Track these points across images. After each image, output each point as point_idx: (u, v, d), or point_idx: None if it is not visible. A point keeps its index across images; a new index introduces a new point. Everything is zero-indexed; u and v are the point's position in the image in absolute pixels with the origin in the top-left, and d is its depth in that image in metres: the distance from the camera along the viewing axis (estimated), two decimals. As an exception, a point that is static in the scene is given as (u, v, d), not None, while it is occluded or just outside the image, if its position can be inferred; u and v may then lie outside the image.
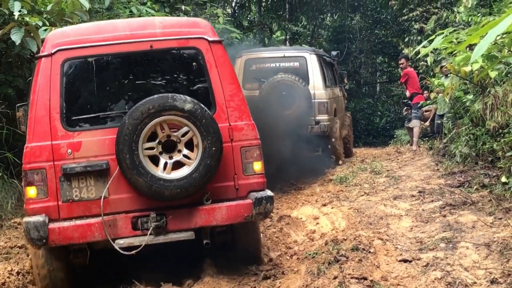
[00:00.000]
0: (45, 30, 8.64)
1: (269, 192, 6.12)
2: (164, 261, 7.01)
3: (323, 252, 6.60)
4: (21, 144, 9.29)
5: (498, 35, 2.69)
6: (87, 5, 9.29)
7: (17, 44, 8.51)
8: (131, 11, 12.96)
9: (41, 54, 6.04)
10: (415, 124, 14.95)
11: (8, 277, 6.22)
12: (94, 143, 5.88)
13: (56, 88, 5.89)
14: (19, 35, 8.47)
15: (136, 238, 5.83)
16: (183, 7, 16.46)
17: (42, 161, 5.78)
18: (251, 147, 6.12)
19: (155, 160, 5.83)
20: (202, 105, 5.82)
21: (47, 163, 5.78)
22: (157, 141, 5.82)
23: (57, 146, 5.81)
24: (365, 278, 5.77)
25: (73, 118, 5.93)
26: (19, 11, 8.56)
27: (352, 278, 5.79)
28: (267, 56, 14.09)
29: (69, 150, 5.82)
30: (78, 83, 6.07)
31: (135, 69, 6.24)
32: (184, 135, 5.85)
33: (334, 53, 17.23)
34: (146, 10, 13.39)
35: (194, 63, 6.22)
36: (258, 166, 6.14)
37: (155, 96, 5.80)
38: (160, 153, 5.84)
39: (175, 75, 6.29)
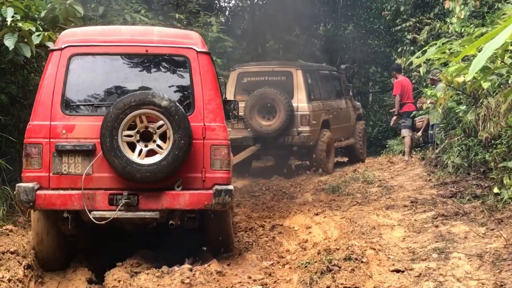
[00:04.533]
0: (38, 35, 8.63)
1: (230, 187, 6.89)
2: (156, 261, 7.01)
3: (315, 262, 6.58)
4: (13, 151, 9.31)
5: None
6: (81, 12, 9.28)
7: (10, 49, 8.50)
8: (124, 19, 12.97)
9: (53, 48, 7.08)
10: (404, 133, 15.01)
11: (-1, 284, 6.18)
12: (85, 127, 6.82)
13: (61, 78, 6.86)
14: (12, 40, 8.47)
15: (109, 212, 6.70)
16: (176, 15, 16.47)
17: (40, 137, 6.75)
18: (220, 145, 6.92)
19: (133, 146, 6.70)
20: (177, 103, 6.70)
21: (44, 140, 6.75)
22: (135, 130, 6.69)
23: (54, 126, 6.78)
24: (358, 288, 5.77)
25: (71, 104, 6.89)
26: (12, 16, 8.54)
27: (344, 288, 5.79)
28: (257, 70, 15.52)
29: (64, 131, 6.78)
30: (80, 75, 6.99)
31: (130, 69, 7.21)
32: (159, 127, 6.69)
33: (343, 66, 19.09)
34: (139, 18, 13.41)
35: (182, 69, 7.12)
36: (224, 163, 6.93)
37: (138, 92, 6.79)
38: (138, 141, 6.71)
39: (164, 78, 7.22)
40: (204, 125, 6.89)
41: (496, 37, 2.54)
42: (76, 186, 6.73)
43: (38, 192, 6.65)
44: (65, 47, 6.95)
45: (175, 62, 7.16)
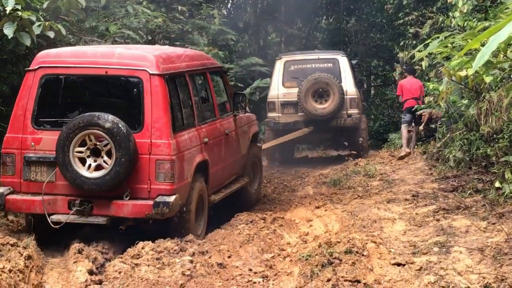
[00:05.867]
0: (39, 25, 8.63)
1: (169, 198, 7.42)
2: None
3: (316, 255, 6.58)
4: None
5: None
6: (83, 3, 9.28)
7: (9, 37, 8.52)
8: (127, 10, 12.91)
9: (28, 68, 7.85)
10: (402, 128, 15.11)
11: (0, 275, 6.18)
12: (50, 141, 7.54)
13: (33, 95, 7.67)
14: (12, 28, 8.54)
15: (65, 216, 7.45)
16: (179, 7, 16.43)
17: (13, 148, 7.67)
18: (164, 161, 7.52)
19: (84, 161, 7.45)
20: (120, 124, 7.30)
21: (17, 150, 7.65)
22: (86, 147, 7.44)
23: (25, 139, 7.66)
24: (359, 281, 5.78)
25: (40, 119, 7.69)
26: (13, 6, 8.54)
27: (345, 281, 5.79)
28: (304, 58, 16.38)
29: (32, 143, 7.63)
30: (49, 93, 7.78)
31: (92, 89, 8.14)
32: (105, 145, 7.40)
33: (353, 61, 19.38)
34: (142, 10, 13.36)
35: (135, 90, 7.70)
36: (168, 176, 7.52)
37: (86, 113, 7.43)
38: (88, 156, 7.47)
39: (121, 97, 8.09)
40: (151, 141, 7.51)
41: (500, 31, 2.53)
42: (41, 191, 7.50)
43: (8, 197, 7.55)
44: (38, 68, 7.72)
45: (131, 83, 7.83)
